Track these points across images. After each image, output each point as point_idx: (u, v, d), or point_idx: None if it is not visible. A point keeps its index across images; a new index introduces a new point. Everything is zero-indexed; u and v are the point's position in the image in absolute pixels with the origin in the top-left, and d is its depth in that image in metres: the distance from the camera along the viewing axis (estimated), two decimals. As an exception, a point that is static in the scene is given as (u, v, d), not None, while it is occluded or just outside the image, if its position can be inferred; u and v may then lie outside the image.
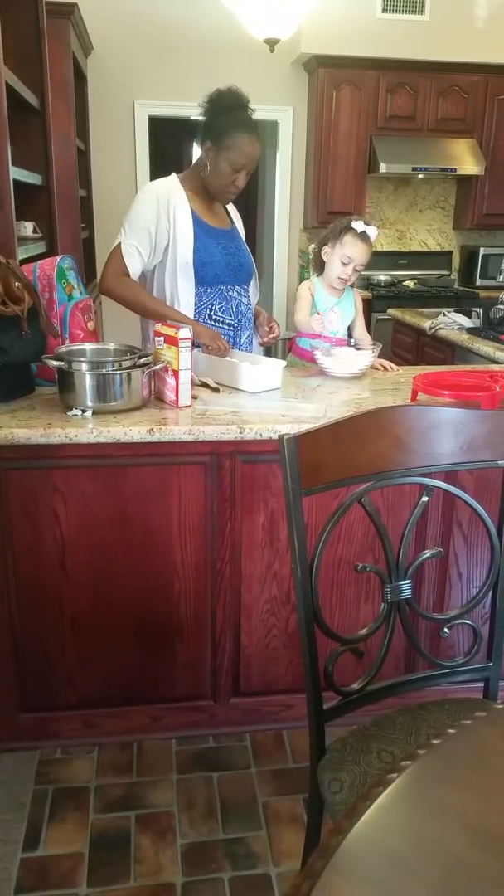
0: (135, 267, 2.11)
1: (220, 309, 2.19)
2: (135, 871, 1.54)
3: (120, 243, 2.11)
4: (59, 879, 1.52)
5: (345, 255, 2.23)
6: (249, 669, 1.89)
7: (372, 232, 2.23)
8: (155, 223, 2.08)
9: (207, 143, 2.07)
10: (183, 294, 2.13)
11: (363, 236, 2.22)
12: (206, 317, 2.18)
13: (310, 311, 2.30)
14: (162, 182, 2.17)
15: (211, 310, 2.18)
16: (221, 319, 2.20)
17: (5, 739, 1.84)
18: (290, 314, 4.95)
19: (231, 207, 2.33)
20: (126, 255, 2.10)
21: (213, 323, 2.19)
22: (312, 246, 2.44)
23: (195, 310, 2.16)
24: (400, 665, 1.92)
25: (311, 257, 2.50)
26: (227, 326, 2.21)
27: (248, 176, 2.12)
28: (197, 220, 2.12)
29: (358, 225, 2.22)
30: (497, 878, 0.60)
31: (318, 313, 2.28)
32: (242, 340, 2.26)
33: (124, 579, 1.76)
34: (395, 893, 0.57)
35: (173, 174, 2.19)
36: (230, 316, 2.21)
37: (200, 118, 2.11)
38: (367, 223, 2.24)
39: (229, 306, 2.20)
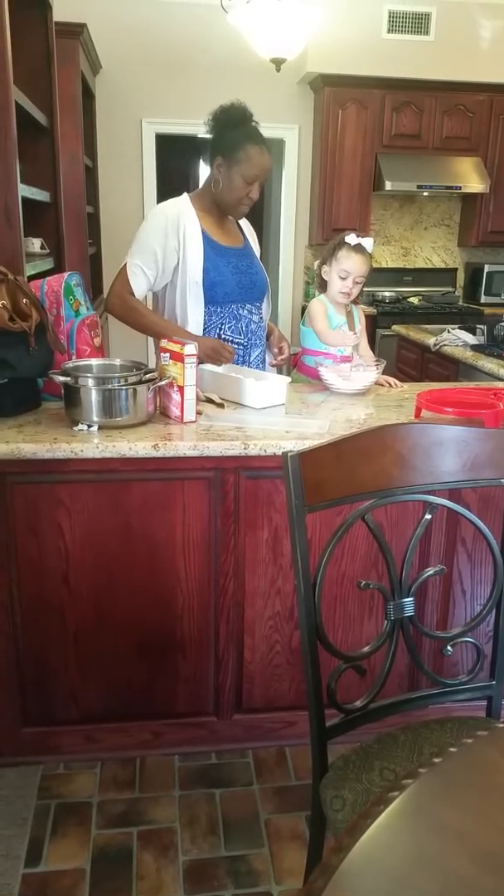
0: (139, 287, 2.14)
1: (229, 328, 2.20)
2: (136, 887, 1.53)
3: (126, 263, 2.14)
4: (61, 895, 1.51)
5: (342, 270, 2.25)
6: (252, 686, 1.89)
7: (367, 243, 2.25)
8: (163, 244, 2.10)
9: (218, 160, 2.09)
10: (192, 314, 2.15)
11: (358, 248, 2.24)
12: (216, 336, 2.19)
13: (328, 324, 2.32)
14: (172, 203, 2.18)
15: (220, 329, 2.19)
16: (231, 339, 2.21)
17: (7, 754, 1.84)
18: (294, 330, 4.98)
19: (245, 223, 2.33)
20: (131, 275, 2.12)
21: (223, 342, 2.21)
22: (315, 265, 2.46)
23: (204, 329, 2.17)
24: (403, 683, 1.91)
25: (314, 278, 2.52)
26: (236, 345, 2.22)
27: (261, 188, 2.14)
28: (207, 240, 2.13)
29: (351, 238, 2.25)
30: (497, 898, 0.60)
31: (342, 329, 2.30)
32: (252, 358, 2.26)
33: (127, 594, 1.76)
34: (394, 912, 0.58)
35: (185, 194, 2.21)
36: (240, 335, 2.23)
37: (207, 136, 2.13)
38: (360, 235, 2.26)
39: (239, 325, 2.21)
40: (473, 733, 0.82)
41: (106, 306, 2.19)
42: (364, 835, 0.63)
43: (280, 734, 1.93)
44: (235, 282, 2.17)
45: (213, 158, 2.11)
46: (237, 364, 2.17)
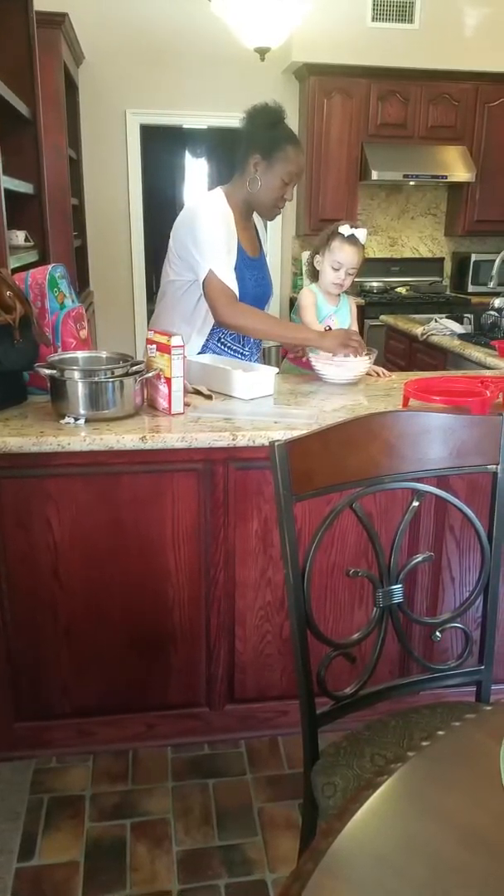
0: (237, 287, 2.06)
1: (230, 336, 2.20)
2: (131, 878, 1.54)
3: (211, 271, 2.01)
4: (55, 889, 1.51)
5: (335, 261, 2.24)
6: (244, 676, 1.89)
7: (360, 234, 2.25)
8: (227, 241, 2.06)
9: (256, 157, 2.06)
10: (199, 319, 2.13)
11: (351, 239, 2.23)
12: (217, 341, 2.19)
13: (316, 316, 2.31)
14: (216, 200, 2.12)
15: (223, 334, 2.19)
16: (231, 345, 2.21)
17: (0, 749, 1.84)
18: (290, 318, 4.97)
19: (260, 223, 2.31)
20: (226, 279, 2.03)
21: (223, 348, 2.20)
22: (306, 255, 2.45)
23: (209, 332, 2.16)
24: (393, 669, 1.92)
25: (305, 267, 2.51)
26: (235, 353, 2.23)
27: (294, 189, 2.13)
28: (241, 251, 2.11)
29: (344, 229, 2.24)
30: (484, 878, 0.60)
31: (329, 327, 2.28)
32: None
33: (118, 587, 1.76)
34: (382, 893, 0.58)
35: (218, 190, 2.16)
36: (239, 343, 2.23)
37: (243, 133, 2.10)
38: (354, 226, 2.25)
39: (240, 335, 2.21)
40: (461, 717, 0.83)
41: (223, 324, 2.08)
42: (353, 819, 0.64)
43: (272, 723, 1.94)
44: (252, 295, 2.16)
45: (248, 156, 2.08)
46: None
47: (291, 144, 2.07)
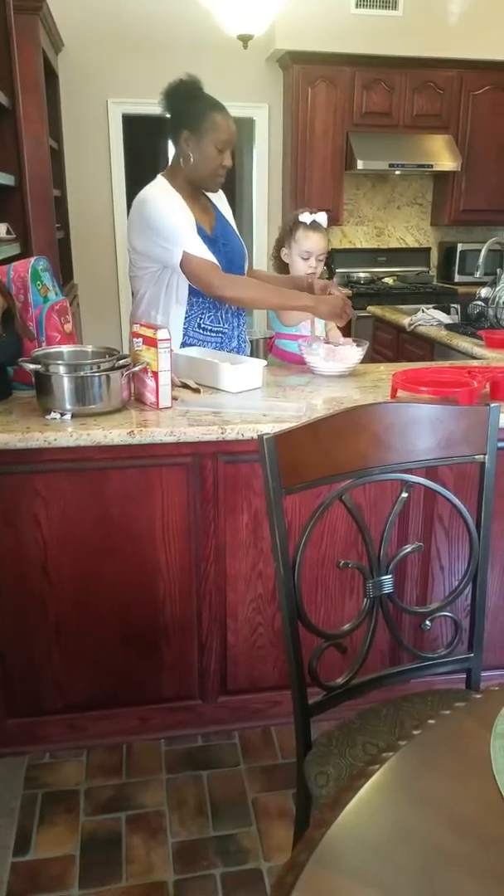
0: (214, 258, 2.03)
1: (209, 318, 2.17)
2: (127, 871, 1.55)
3: (185, 252, 1.99)
4: (51, 882, 1.52)
5: (303, 251, 2.23)
6: (237, 668, 1.90)
7: (321, 218, 2.23)
8: (188, 220, 2.03)
9: (185, 134, 2.04)
10: (174, 307, 2.12)
11: (314, 225, 2.22)
12: (196, 326, 2.16)
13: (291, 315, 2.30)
14: (162, 186, 2.09)
15: (200, 319, 2.16)
16: (210, 328, 2.18)
17: (-7, 745, 1.84)
18: (268, 314, 4.96)
19: (220, 198, 2.28)
20: (203, 254, 1.99)
21: (202, 332, 2.18)
22: (272, 249, 2.42)
23: (185, 320, 2.14)
24: (385, 659, 1.94)
25: (271, 262, 2.48)
26: (215, 334, 2.20)
27: (232, 154, 2.09)
28: (200, 231, 2.07)
29: (305, 217, 2.22)
30: (474, 865, 0.61)
31: (311, 322, 2.27)
32: (231, 348, 2.24)
33: (109, 582, 1.76)
34: (375, 882, 0.59)
35: (159, 177, 2.13)
36: (219, 323, 2.20)
37: (165, 114, 2.07)
38: (312, 212, 2.24)
39: (218, 314, 2.18)
40: (452, 705, 0.83)
41: (220, 298, 2.05)
42: (345, 809, 0.64)
43: (265, 714, 1.95)
44: (225, 270, 2.10)
45: (177, 135, 2.06)
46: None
47: (216, 111, 2.03)
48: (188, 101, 2.04)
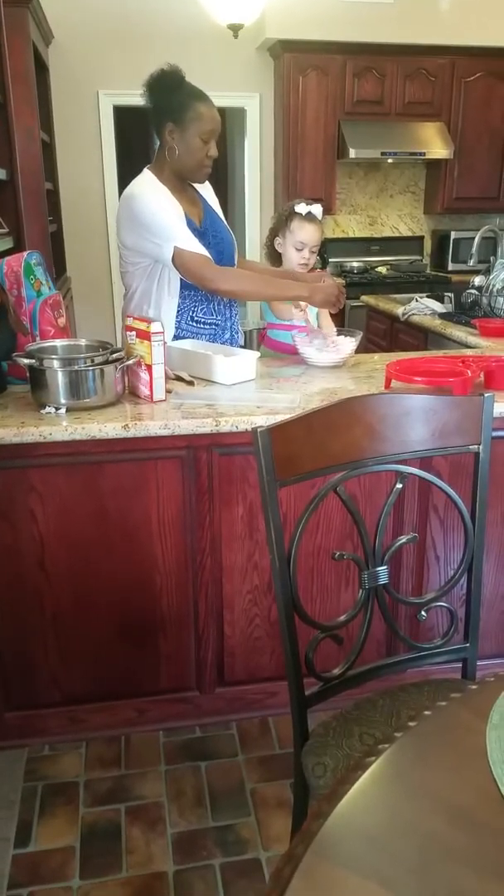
0: (205, 251, 2.02)
1: (202, 310, 2.16)
2: (126, 861, 1.56)
3: (177, 247, 1.97)
4: (52, 874, 1.53)
5: (297, 242, 2.22)
6: (233, 659, 1.91)
7: (316, 210, 2.22)
8: (177, 214, 2.01)
9: (169, 126, 2.02)
10: (165, 301, 2.11)
11: (309, 216, 2.21)
12: (189, 319, 2.15)
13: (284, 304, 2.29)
14: (149, 180, 2.07)
15: (193, 312, 2.15)
16: (203, 320, 2.17)
17: (-8, 739, 1.84)
18: (261, 305, 4.94)
19: (206, 188, 2.26)
20: (194, 248, 1.98)
21: (195, 325, 2.17)
22: (266, 238, 2.41)
23: (177, 312, 2.13)
24: (381, 649, 1.94)
25: (264, 251, 2.46)
26: (209, 326, 2.19)
27: (218, 144, 2.07)
28: (189, 223, 2.06)
29: (301, 208, 2.21)
30: (471, 855, 0.62)
31: (303, 308, 2.25)
32: (224, 339, 2.23)
33: (105, 576, 1.76)
34: (373, 873, 0.59)
35: (147, 171, 2.11)
36: (212, 315, 2.19)
37: (148, 106, 2.05)
38: (308, 203, 2.23)
39: (210, 306, 2.17)
40: (447, 696, 0.84)
41: (214, 292, 2.05)
42: (342, 801, 0.65)
43: (263, 704, 1.96)
44: (215, 261, 2.09)
45: (161, 127, 2.04)
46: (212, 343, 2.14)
47: (199, 101, 2.01)
48: (170, 91, 2.01)
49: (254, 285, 2.11)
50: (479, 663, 1.39)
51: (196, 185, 2.21)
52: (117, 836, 1.62)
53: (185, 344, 2.09)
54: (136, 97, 2.11)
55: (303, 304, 2.21)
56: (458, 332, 2.88)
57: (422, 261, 5.40)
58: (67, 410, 1.66)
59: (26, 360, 1.66)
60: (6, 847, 1.59)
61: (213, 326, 2.20)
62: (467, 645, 1.36)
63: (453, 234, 5.15)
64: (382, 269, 5.15)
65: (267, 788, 1.75)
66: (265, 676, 1.94)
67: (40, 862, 1.56)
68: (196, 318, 2.16)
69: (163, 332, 1.74)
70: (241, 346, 2.28)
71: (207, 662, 1.90)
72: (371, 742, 1.16)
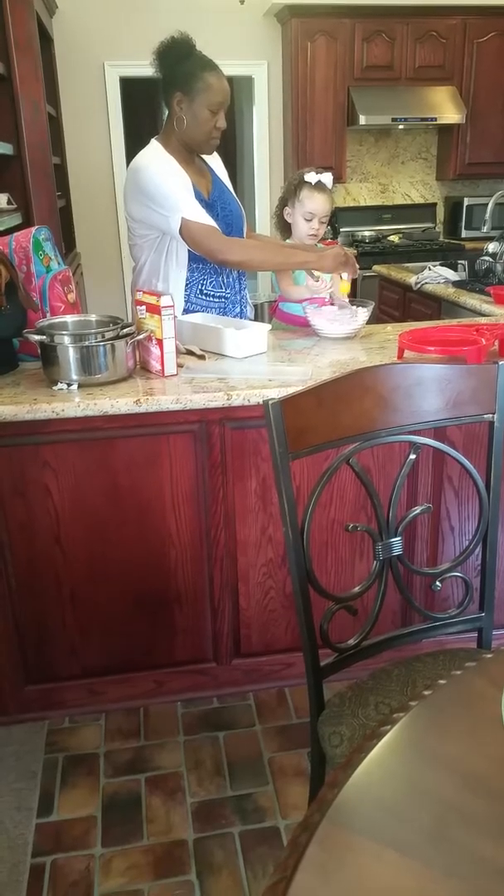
0: (213, 222, 2.00)
1: (211, 283, 2.14)
2: (147, 830, 1.59)
3: (184, 218, 1.95)
4: (74, 842, 1.56)
5: (306, 212, 2.19)
6: (249, 631, 1.92)
7: (326, 178, 2.18)
8: (184, 185, 1.99)
9: (177, 96, 1.99)
10: (174, 273, 2.09)
11: (319, 186, 2.17)
12: (198, 292, 2.14)
13: (292, 279, 2.26)
14: (157, 151, 2.05)
15: (202, 285, 2.13)
16: (213, 293, 2.16)
17: (13, 712, 1.88)
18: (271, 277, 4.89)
19: (215, 159, 2.23)
20: (202, 219, 1.96)
21: (204, 298, 2.15)
22: (275, 208, 2.37)
23: (186, 285, 2.12)
24: (396, 620, 1.95)
25: (273, 221, 2.43)
26: (218, 300, 2.17)
27: (225, 115, 2.04)
28: (197, 194, 2.03)
29: (310, 177, 2.17)
30: (486, 821, 0.62)
31: (320, 278, 2.21)
32: (234, 313, 2.21)
33: (120, 550, 1.77)
34: (389, 839, 0.60)
35: (153, 141, 2.08)
36: (221, 288, 2.17)
37: (157, 76, 2.02)
38: (318, 171, 2.18)
39: (219, 279, 2.15)
40: (462, 665, 0.84)
41: (222, 263, 2.02)
42: (358, 769, 0.65)
43: (279, 675, 1.98)
44: (223, 232, 2.07)
45: (169, 97, 2.01)
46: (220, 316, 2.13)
47: (208, 71, 1.97)
48: (179, 61, 1.98)
49: (262, 254, 2.09)
50: (494, 633, 1.39)
51: (205, 157, 2.18)
52: (138, 806, 1.65)
53: (196, 318, 2.07)
54: (142, 68, 2.08)
55: (316, 273, 2.18)
56: (471, 300, 2.84)
57: (434, 228, 5.31)
58: (79, 386, 1.66)
59: (37, 337, 1.66)
60: (29, 816, 1.63)
61: (223, 300, 2.18)
62: (482, 615, 1.36)
63: (466, 201, 5.05)
64: (395, 238, 5.07)
65: (284, 758, 1.77)
66: (281, 648, 1.95)
67: (63, 831, 1.59)
68: (205, 292, 2.14)
69: (173, 306, 1.72)
70: (252, 319, 2.26)
71: (224, 635, 1.91)
72: (386, 711, 1.17)
